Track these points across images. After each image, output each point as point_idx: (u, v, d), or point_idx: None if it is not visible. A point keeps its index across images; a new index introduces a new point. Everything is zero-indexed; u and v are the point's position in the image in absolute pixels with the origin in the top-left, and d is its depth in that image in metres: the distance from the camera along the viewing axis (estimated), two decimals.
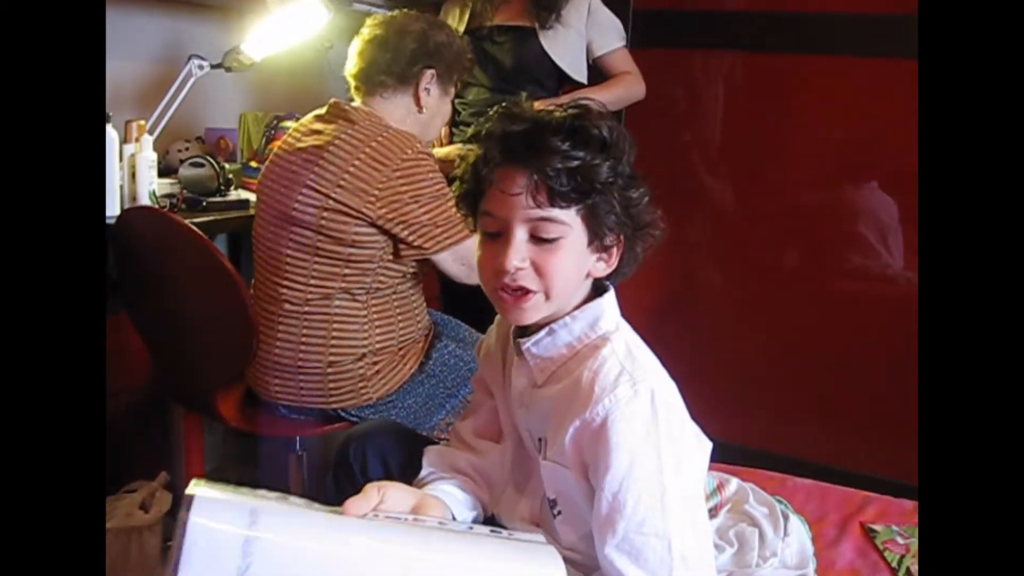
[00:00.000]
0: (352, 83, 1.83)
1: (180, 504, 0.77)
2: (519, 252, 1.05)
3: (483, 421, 1.29)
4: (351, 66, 1.82)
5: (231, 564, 0.75)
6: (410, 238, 1.71)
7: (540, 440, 1.13)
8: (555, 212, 1.04)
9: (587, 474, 1.05)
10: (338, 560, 0.82)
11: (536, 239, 1.05)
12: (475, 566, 0.88)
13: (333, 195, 1.67)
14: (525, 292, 1.06)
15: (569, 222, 1.05)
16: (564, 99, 2.15)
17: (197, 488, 0.80)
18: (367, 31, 1.83)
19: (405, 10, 1.87)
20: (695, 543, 1.03)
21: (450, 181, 1.78)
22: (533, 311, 1.08)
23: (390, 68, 1.79)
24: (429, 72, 1.82)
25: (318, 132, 1.75)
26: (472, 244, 1.18)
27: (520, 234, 1.05)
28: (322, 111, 1.81)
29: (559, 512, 1.12)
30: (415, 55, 1.80)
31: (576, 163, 1.03)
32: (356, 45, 1.83)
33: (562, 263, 1.06)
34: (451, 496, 1.16)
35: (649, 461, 1.01)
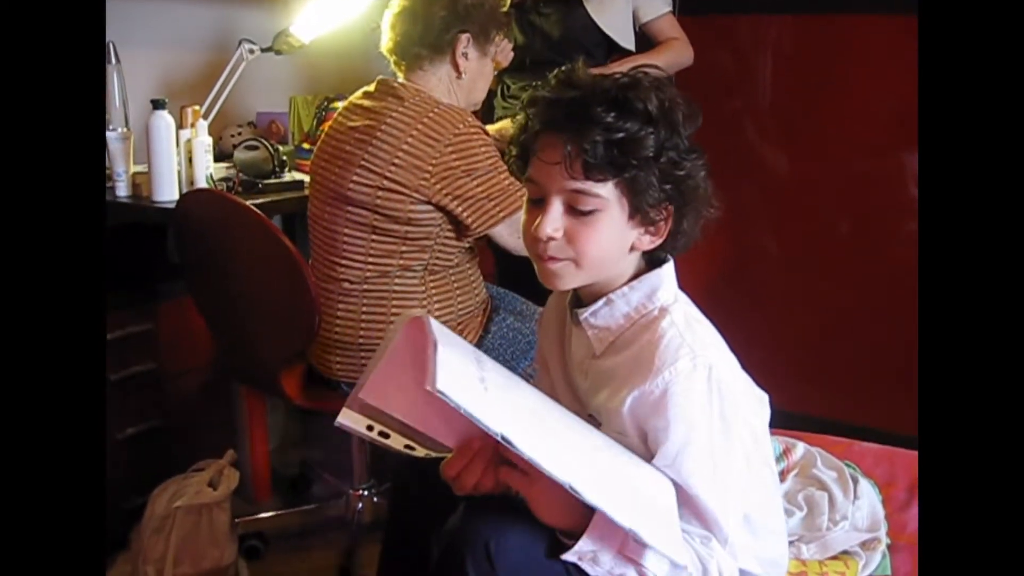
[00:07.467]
0: (391, 59, 1.81)
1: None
2: (553, 222, 1.06)
3: None
4: (385, 41, 1.80)
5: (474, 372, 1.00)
6: (464, 214, 1.71)
7: (590, 417, 1.14)
8: (589, 185, 1.04)
9: (646, 441, 1.07)
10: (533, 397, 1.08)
11: (573, 210, 1.06)
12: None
13: (388, 174, 1.68)
14: (555, 257, 1.08)
15: (605, 195, 1.05)
16: (615, 67, 2.12)
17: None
18: (396, 3, 1.80)
19: None
20: (752, 507, 1.08)
21: (503, 155, 1.79)
22: (567, 277, 1.09)
23: (423, 39, 1.76)
24: (464, 36, 1.78)
25: (368, 110, 1.75)
26: None
27: (556, 204, 1.06)
28: (370, 88, 1.81)
29: None
30: (446, 22, 1.76)
31: (617, 135, 1.02)
32: (387, 19, 1.80)
33: (596, 236, 1.06)
34: None
35: (703, 435, 1.04)
